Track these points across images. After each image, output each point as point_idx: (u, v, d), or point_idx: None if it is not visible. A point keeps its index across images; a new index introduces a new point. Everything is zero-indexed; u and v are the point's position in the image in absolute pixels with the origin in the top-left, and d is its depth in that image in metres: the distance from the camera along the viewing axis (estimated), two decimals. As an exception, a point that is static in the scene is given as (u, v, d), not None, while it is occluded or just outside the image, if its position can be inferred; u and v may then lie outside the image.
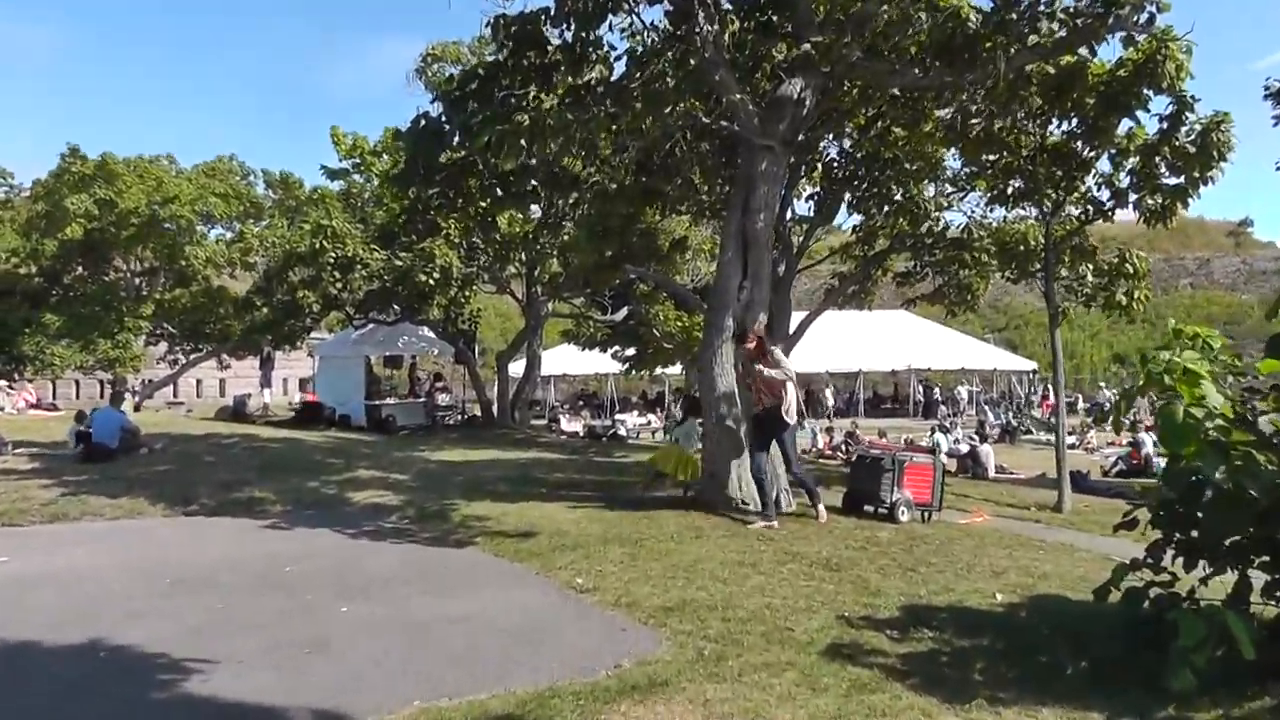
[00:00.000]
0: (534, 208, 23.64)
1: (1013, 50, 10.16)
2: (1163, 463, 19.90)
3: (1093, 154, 13.97)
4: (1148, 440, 25.27)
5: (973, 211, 17.73)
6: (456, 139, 10.71)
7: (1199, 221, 68.15)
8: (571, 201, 14.88)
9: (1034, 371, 49.01)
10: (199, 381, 43.34)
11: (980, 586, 7.98)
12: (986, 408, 41.50)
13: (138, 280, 35.96)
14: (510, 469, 16.18)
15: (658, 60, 9.96)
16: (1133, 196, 14.14)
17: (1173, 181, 13.85)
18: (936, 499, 10.97)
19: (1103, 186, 14.25)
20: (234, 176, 38.95)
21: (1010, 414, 38.05)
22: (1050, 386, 42.40)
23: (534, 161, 12.21)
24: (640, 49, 10.21)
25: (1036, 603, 7.60)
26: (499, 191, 12.54)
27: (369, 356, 31.28)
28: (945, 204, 16.82)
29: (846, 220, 20.11)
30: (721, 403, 10.80)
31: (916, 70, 11.18)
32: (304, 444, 19.83)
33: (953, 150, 16.06)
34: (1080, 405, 42.16)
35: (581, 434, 34.42)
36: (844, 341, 40.70)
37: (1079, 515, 13.22)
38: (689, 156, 13.81)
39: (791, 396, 10.33)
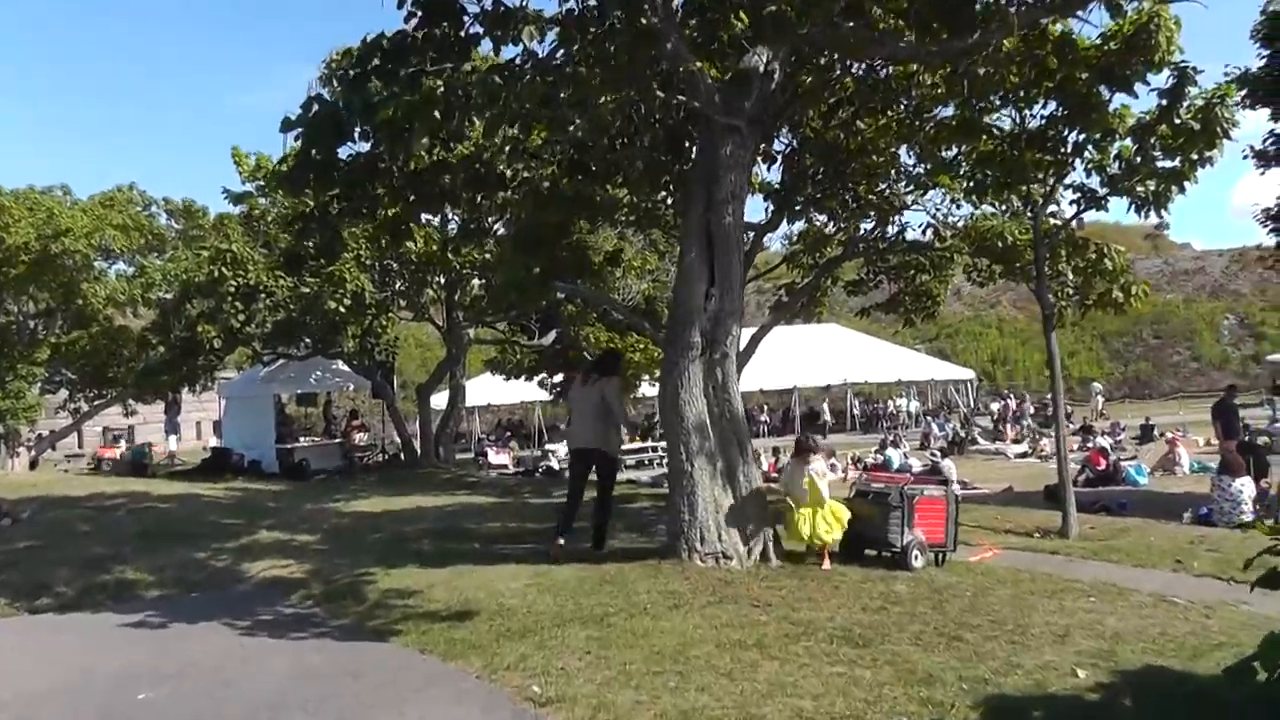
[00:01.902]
0: (452, 221, 21.76)
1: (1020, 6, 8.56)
2: (1133, 469, 18.57)
3: (1082, 137, 12.46)
4: (1106, 444, 24.13)
5: (937, 209, 16.25)
6: (358, 127, 8.74)
7: (1116, 226, 68.69)
8: (498, 203, 12.96)
9: (970, 381, 48.20)
10: (104, 430, 40.32)
11: (1050, 659, 6.22)
12: (930, 419, 40.34)
13: (31, 323, 32.98)
14: (435, 519, 14.11)
15: (601, 21, 8.11)
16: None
17: (1167, 164, 12.41)
18: (950, 538, 9.23)
19: (1092, 173, 12.73)
20: (134, 207, 36.16)
21: (957, 424, 36.82)
22: (1012, 395, 41.76)
23: (451, 156, 10.32)
24: (577, 7, 8.31)
25: (1133, 681, 5.85)
26: (411, 196, 10.54)
27: (279, 395, 28.91)
28: (911, 201, 15.24)
29: (789, 228, 18.64)
30: (692, 434, 8.94)
31: (904, 38, 9.51)
32: (201, 501, 17.51)
33: (917, 143, 14.56)
34: (1022, 409, 41.11)
35: (511, 468, 32.44)
36: (774, 357, 39.27)
37: (1091, 541, 11.61)
38: (630, 152, 11.96)
39: None
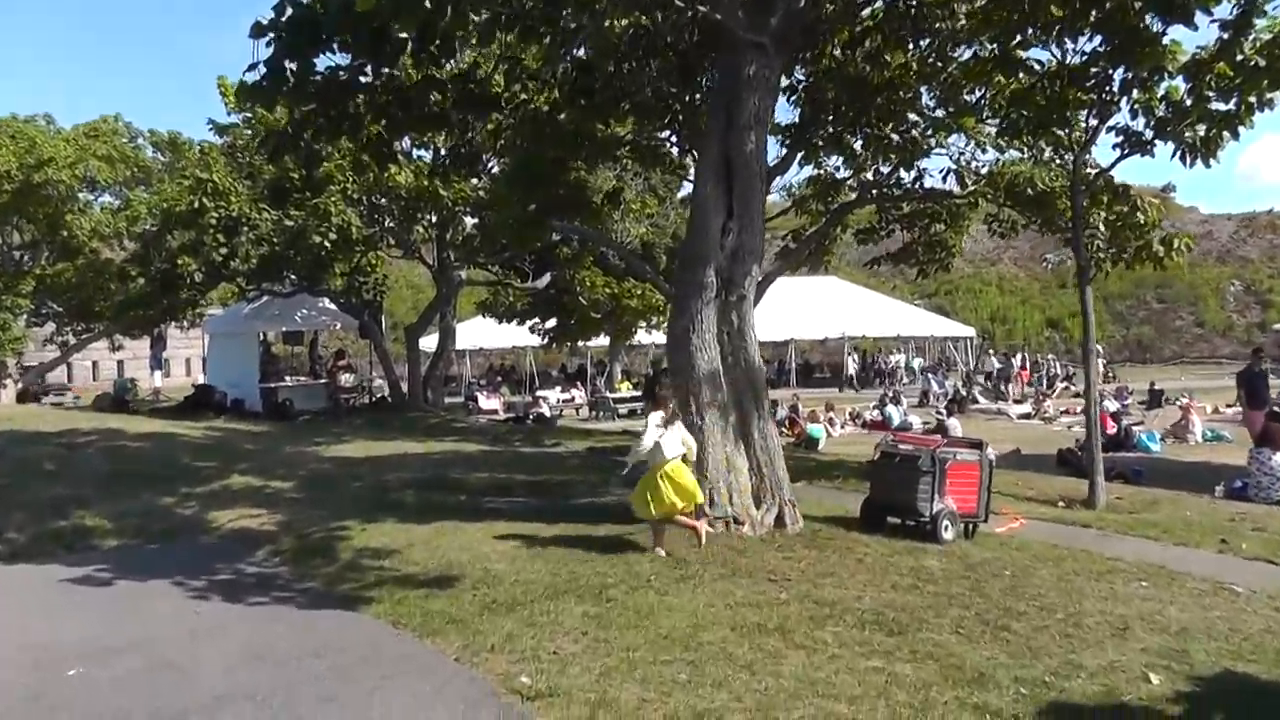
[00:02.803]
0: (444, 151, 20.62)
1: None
2: (1145, 436, 17.77)
3: (1129, 75, 11.45)
4: (1111, 408, 23.30)
5: (961, 153, 15.27)
6: (335, 29, 7.75)
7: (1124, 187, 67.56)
8: (491, 128, 11.93)
9: (971, 338, 47.34)
10: (95, 365, 39.36)
11: (1115, 658, 5.40)
12: (930, 376, 39.48)
13: (16, 254, 31.85)
14: (421, 467, 13.26)
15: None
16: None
17: (1221, 107, 11.41)
18: (982, 508, 8.39)
19: (1138, 114, 11.73)
20: (119, 138, 34.97)
21: (959, 382, 36.00)
22: (1026, 356, 40.85)
23: (441, 72, 9.35)
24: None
25: (1214, 691, 5.05)
26: (397, 113, 9.54)
27: (264, 333, 27.92)
28: (935, 144, 14.24)
29: (798, 171, 17.67)
30: (704, 385, 8.07)
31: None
32: (177, 441, 16.64)
33: (940, 83, 13.56)
34: (1015, 371, 40.28)
35: (502, 413, 31.61)
36: (771, 308, 38.31)
37: (1121, 513, 10.81)
38: (638, 77, 10.96)
39: None
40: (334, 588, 6.91)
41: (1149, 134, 11.66)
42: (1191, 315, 54.68)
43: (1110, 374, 38.79)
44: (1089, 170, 12.76)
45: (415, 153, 24.02)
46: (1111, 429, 20.79)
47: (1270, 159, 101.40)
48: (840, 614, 6.00)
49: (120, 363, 38.38)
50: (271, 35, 8.01)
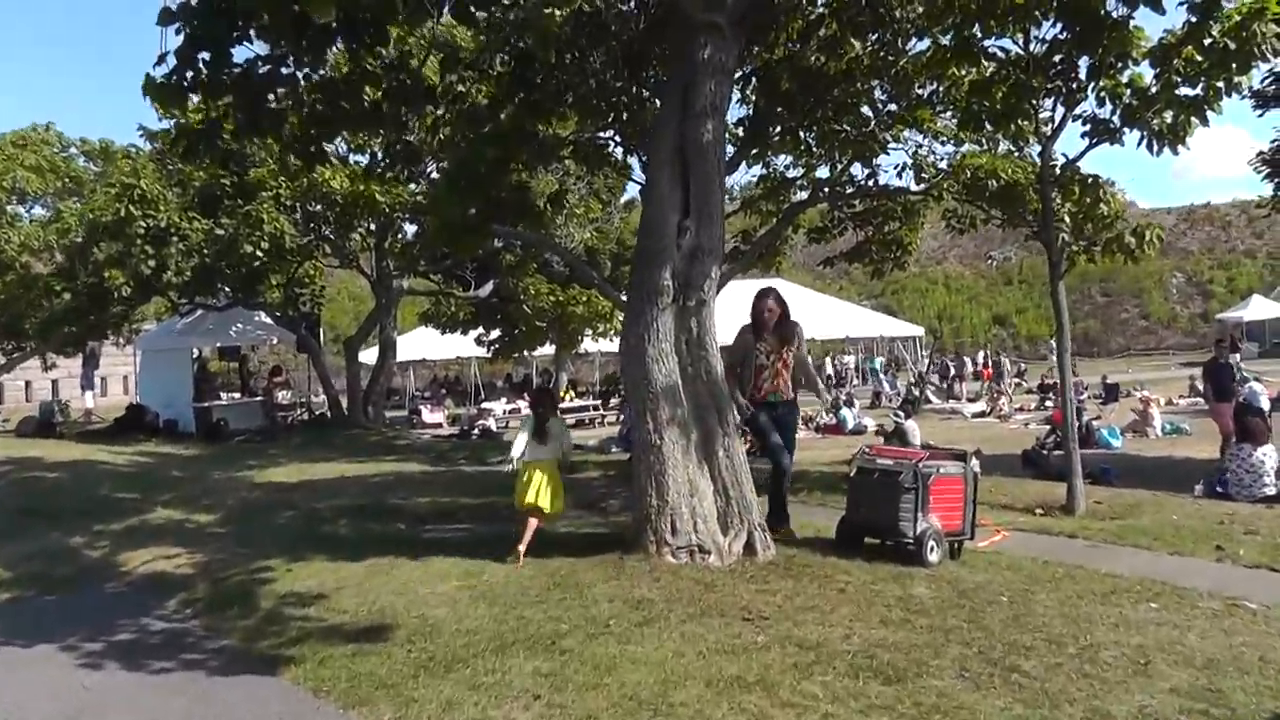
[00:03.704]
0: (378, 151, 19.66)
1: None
2: (1106, 432, 17.35)
3: (1095, 61, 10.92)
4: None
5: (918, 147, 14.70)
6: (252, 14, 6.90)
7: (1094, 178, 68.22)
8: (428, 124, 11.09)
9: (919, 337, 47.13)
10: (27, 385, 37.81)
11: (1144, 702, 4.73)
12: (882, 377, 39.16)
13: (-59, 270, 30.34)
14: (357, 493, 12.40)
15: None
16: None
17: (1190, 92, 10.93)
18: (968, 524, 7.73)
19: (1105, 101, 11.21)
20: (49, 148, 33.60)
21: (912, 383, 35.64)
22: (990, 354, 40.53)
23: (373, 63, 8.52)
24: None
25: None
26: (324, 110, 8.68)
27: (198, 349, 26.79)
28: (893, 137, 13.66)
29: (747, 170, 17.06)
30: (661, 400, 7.32)
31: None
32: (98, 470, 15.57)
33: (891, 74, 13.00)
34: (969, 369, 40.11)
35: (446, 426, 30.73)
36: (716, 312, 37.60)
37: (1103, 518, 10.24)
38: (582, 67, 10.20)
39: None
40: (251, 645, 6.05)
41: (1116, 121, 11.18)
42: (1136, 308, 55.21)
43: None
44: (1053, 161, 12.25)
45: (352, 157, 23.13)
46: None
47: (1203, 155, 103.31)
48: (828, 659, 5.27)
49: (55, 382, 36.93)
50: (181, 23, 7.16)
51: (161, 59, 7.68)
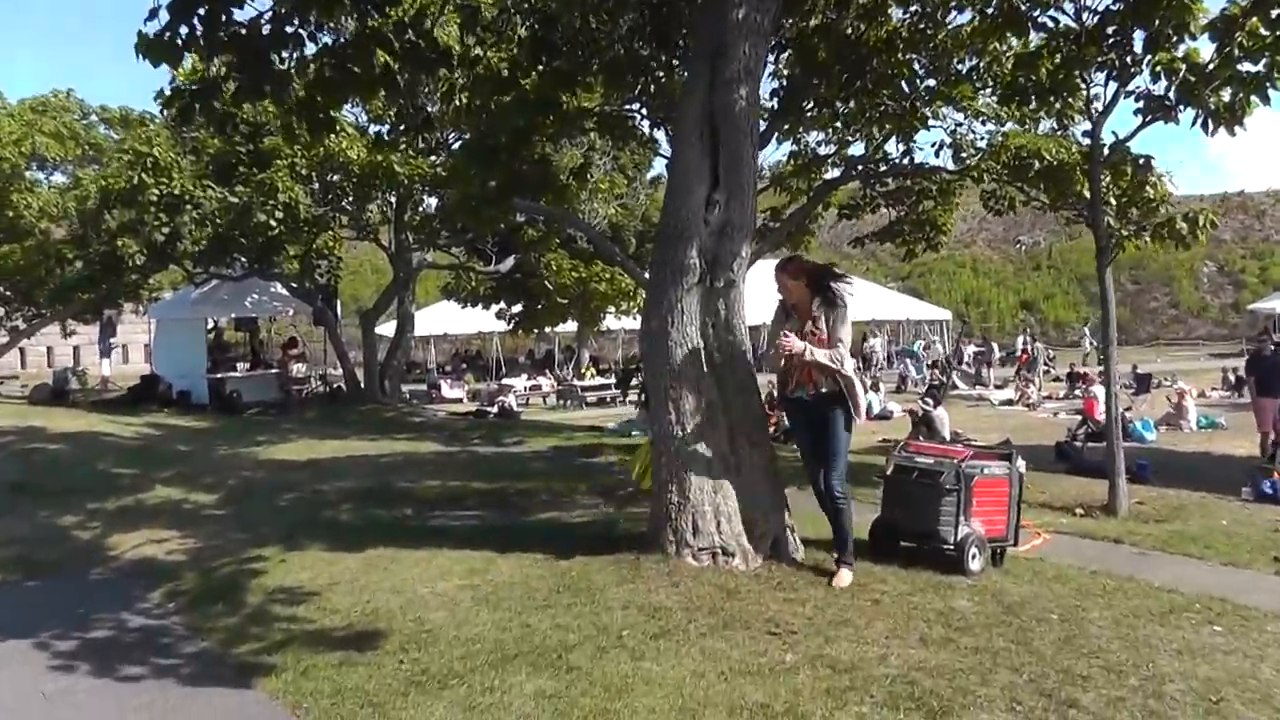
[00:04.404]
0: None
1: None
2: (1140, 424, 16.67)
3: (1151, 33, 10.24)
4: (1100, 394, 22.14)
5: (958, 125, 14.06)
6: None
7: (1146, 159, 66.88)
8: (443, 89, 10.53)
9: (947, 321, 46.40)
10: (49, 350, 37.56)
11: (1224, 749, 4.20)
12: (909, 362, 38.43)
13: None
14: (365, 474, 11.94)
15: None
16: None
17: (1251, 68, 10.24)
18: (1012, 529, 7.16)
19: (1160, 77, 10.52)
20: (69, 114, 33.30)
21: (942, 368, 34.90)
22: (1029, 339, 39.68)
23: (384, 22, 8.05)
24: None
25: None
26: (332, 73, 8.16)
27: (212, 319, 26.44)
28: (932, 113, 13.03)
29: (776, 149, 16.53)
30: (684, 388, 6.77)
31: None
32: (101, 442, 15.21)
33: (931, 48, 12.38)
34: (997, 355, 39.27)
35: (466, 402, 30.33)
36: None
37: (1149, 522, 9.66)
38: (609, 32, 9.62)
39: (858, 378, 6.84)
40: (232, 649, 5.56)
41: (1172, 98, 10.50)
42: (1166, 297, 54.09)
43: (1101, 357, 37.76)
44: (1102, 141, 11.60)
45: (372, 127, 22.62)
46: (1100, 416, 19.73)
47: (1237, 144, 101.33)
48: (863, 684, 4.74)
49: (76, 349, 36.74)
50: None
51: (154, 13, 7.16)
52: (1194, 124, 10.66)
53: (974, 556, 6.66)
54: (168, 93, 7.50)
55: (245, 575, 7.09)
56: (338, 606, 6.15)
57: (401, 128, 12.35)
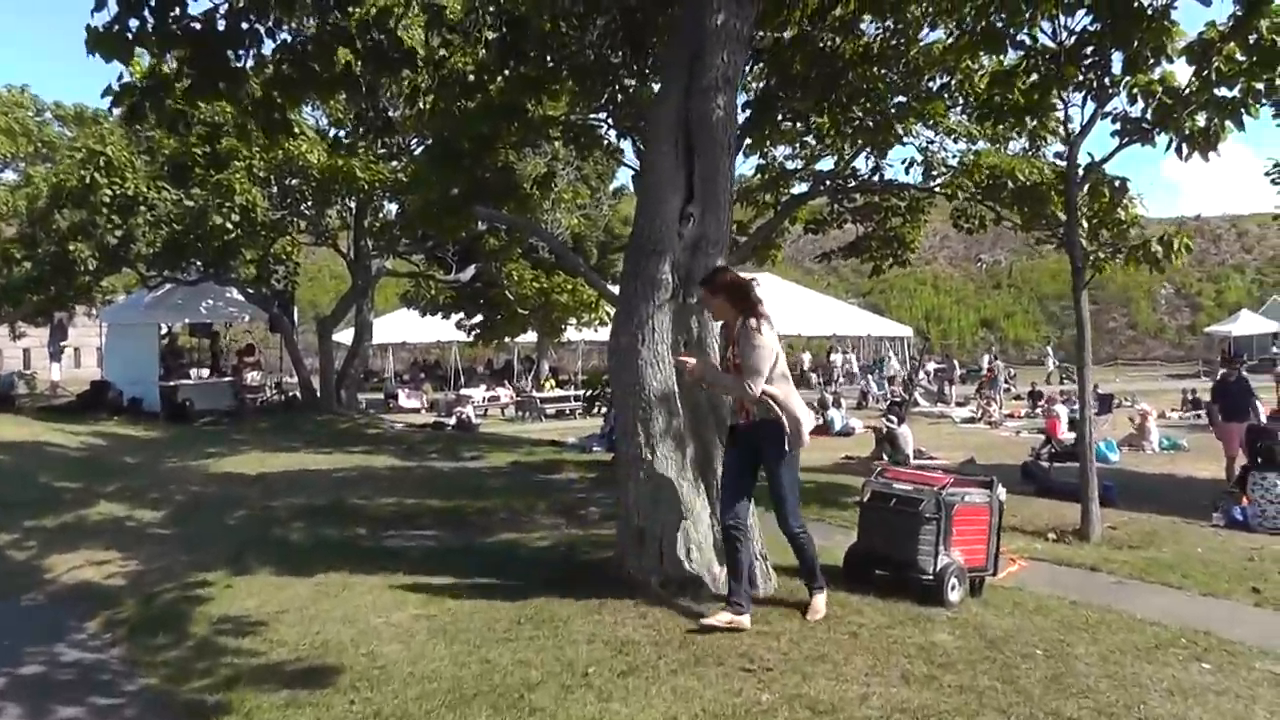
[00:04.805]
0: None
1: None
2: (1103, 445, 16.61)
3: (1130, 54, 10.14)
4: (1063, 413, 22.12)
5: (930, 142, 13.96)
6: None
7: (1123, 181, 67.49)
8: (406, 93, 10.19)
9: (907, 337, 46.46)
10: (-1, 353, 36.74)
11: (1225, 802, 3.96)
12: (870, 378, 38.41)
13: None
14: (318, 489, 11.53)
15: None
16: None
17: (1226, 94, 10.17)
18: (992, 559, 6.94)
19: (1137, 99, 10.41)
20: (22, 110, 32.55)
21: (903, 385, 34.88)
22: (992, 357, 39.73)
23: (346, 19, 7.74)
24: None
25: None
26: (290, 72, 7.84)
27: (165, 325, 25.78)
28: (905, 130, 12.89)
29: (744, 163, 16.34)
30: (655, 409, 6.48)
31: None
32: (45, 452, 14.66)
33: (902, 65, 12.25)
34: (958, 373, 39.40)
35: (424, 410, 29.93)
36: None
37: (1121, 547, 9.50)
38: (580, 37, 9.33)
39: (794, 402, 5.98)
40: (175, 688, 5.16)
41: (1149, 121, 10.39)
42: (1124, 317, 54.69)
43: (1066, 375, 37.82)
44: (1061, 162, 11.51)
45: (333, 132, 22.17)
46: (1067, 437, 19.67)
47: (1193, 170, 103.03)
48: (844, 729, 4.47)
49: (26, 352, 35.87)
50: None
51: (101, 3, 6.79)
52: (1169, 148, 10.60)
53: (954, 587, 6.43)
54: (116, 89, 7.05)
55: (189, 602, 6.69)
56: (286, 638, 5.78)
57: (360, 130, 11.95)
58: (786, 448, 5.96)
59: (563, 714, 4.54)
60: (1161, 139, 10.56)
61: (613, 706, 4.64)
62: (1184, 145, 10.44)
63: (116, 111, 7.73)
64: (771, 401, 5.84)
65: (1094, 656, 5.67)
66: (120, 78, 7.68)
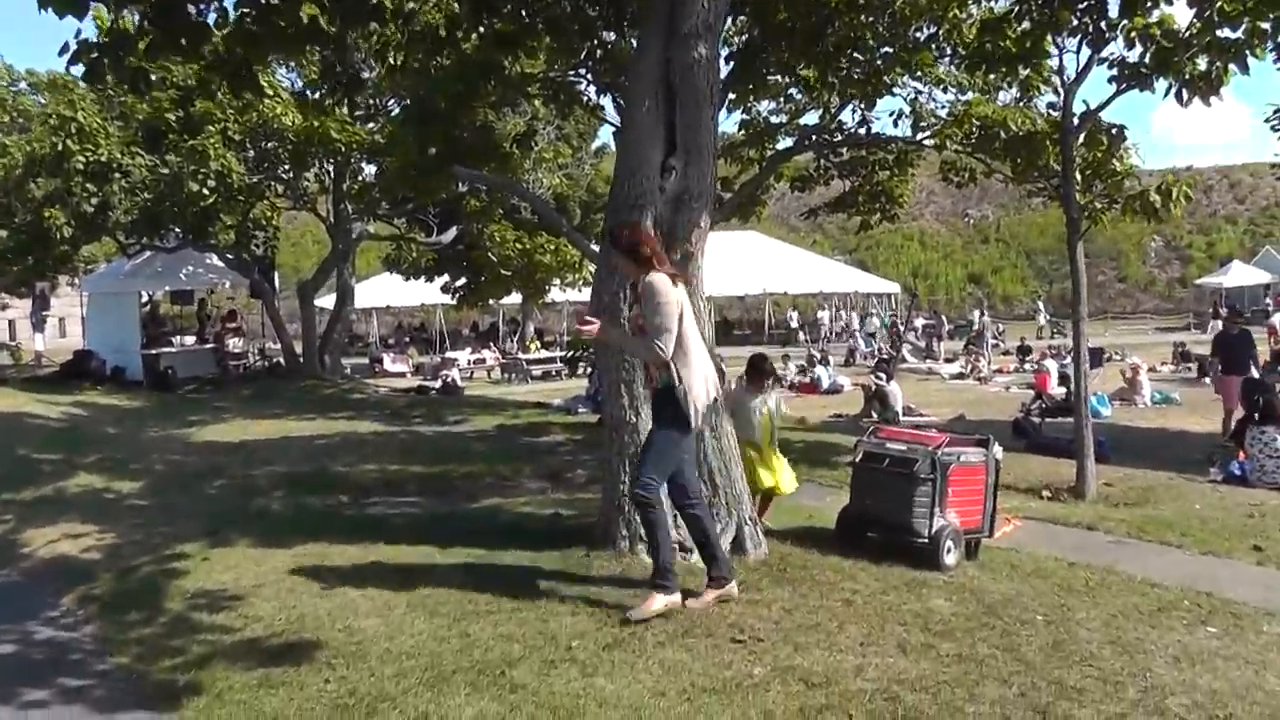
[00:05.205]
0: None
1: None
2: (1095, 400, 16.46)
3: (1123, -1, 9.84)
4: (1053, 368, 21.94)
5: (918, 93, 13.66)
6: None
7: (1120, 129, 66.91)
8: (375, 45, 9.83)
9: (895, 294, 46.23)
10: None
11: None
12: (858, 334, 38.24)
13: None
14: (300, 457, 11.33)
15: None
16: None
17: (1230, 35, 9.89)
18: (988, 520, 6.77)
19: (1134, 43, 10.12)
20: (-4, 80, 31.99)
21: (892, 341, 34.67)
22: (984, 314, 39.38)
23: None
24: None
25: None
26: (254, 26, 7.50)
27: (146, 293, 25.40)
28: (891, 81, 12.57)
29: (728, 118, 16.04)
30: (639, 373, 6.25)
31: None
32: (25, 423, 14.38)
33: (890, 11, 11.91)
34: (946, 329, 39.19)
35: (409, 376, 29.73)
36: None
37: (1117, 504, 9.40)
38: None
39: (693, 370, 5.34)
40: (147, 667, 4.94)
41: (1148, 67, 10.11)
42: (1114, 270, 54.44)
43: (1057, 330, 37.60)
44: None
45: (308, 93, 21.72)
46: (1057, 392, 19.53)
47: (1181, 121, 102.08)
48: (840, 701, 4.29)
49: (11, 323, 35.52)
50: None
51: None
52: (1168, 93, 10.32)
53: (949, 550, 6.26)
54: (74, 46, 6.75)
55: (165, 576, 6.48)
56: (261, 613, 5.57)
57: (327, 87, 11.60)
58: (671, 425, 5.36)
59: (545, 690, 4.35)
60: (1161, 84, 10.33)
61: (597, 682, 4.45)
62: (1184, 90, 10.17)
63: (75, 70, 7.37)
64: (667, 367, 5.30)
65: (1095, 621, 5.51)
66: (78, 34, 7.35)
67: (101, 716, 4.50)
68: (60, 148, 20.10)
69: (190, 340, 25.43)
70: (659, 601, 5.26)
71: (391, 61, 9.80)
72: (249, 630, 5.35)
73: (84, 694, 4.76)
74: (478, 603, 5.53)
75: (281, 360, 25.05)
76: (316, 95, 19.46)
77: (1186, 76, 10.11)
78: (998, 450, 6.80)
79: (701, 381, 5.34)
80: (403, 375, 29.97)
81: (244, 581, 6.21)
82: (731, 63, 11.42)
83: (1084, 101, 10.62)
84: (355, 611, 5.47)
